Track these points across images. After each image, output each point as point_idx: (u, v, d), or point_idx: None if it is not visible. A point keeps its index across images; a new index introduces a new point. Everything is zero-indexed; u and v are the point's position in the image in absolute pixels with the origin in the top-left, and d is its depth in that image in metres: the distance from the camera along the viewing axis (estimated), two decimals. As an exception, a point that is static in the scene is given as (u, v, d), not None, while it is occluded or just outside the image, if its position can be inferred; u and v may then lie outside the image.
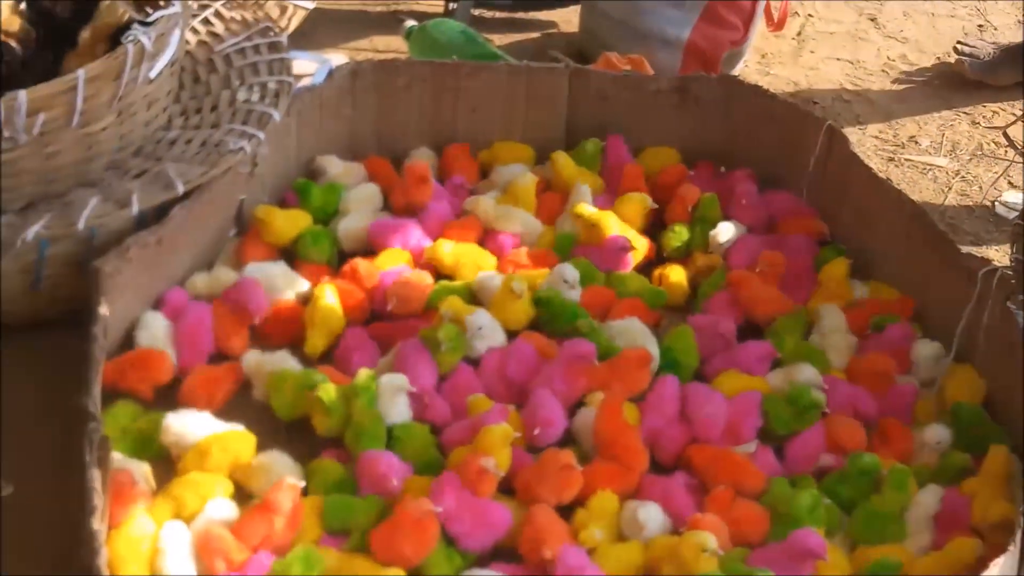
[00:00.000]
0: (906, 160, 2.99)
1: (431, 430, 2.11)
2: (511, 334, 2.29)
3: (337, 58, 2.91)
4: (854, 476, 2.05)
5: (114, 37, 2.27)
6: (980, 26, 3.54)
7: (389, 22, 3.31)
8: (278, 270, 2.35)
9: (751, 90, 2.69)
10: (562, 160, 2.61)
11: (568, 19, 3.35)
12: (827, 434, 2.13)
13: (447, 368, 2.20)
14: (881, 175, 2.52)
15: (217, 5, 2.61)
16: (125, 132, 2.27)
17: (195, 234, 2.32)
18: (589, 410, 2.13)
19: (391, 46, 3.22)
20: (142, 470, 1.97)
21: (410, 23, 3.03)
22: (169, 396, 2.15)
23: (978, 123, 3.13)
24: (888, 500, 2.01)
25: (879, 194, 2.45)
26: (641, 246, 2.50)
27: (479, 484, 1.95)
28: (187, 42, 2.48)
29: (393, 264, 2.39)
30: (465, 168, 2.66)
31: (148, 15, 2.23)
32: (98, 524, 1.73)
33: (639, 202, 2.54)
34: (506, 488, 2.03)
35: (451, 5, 3.30)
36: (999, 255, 2.63)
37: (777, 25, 3.23)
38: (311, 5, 2.95)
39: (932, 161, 3.00)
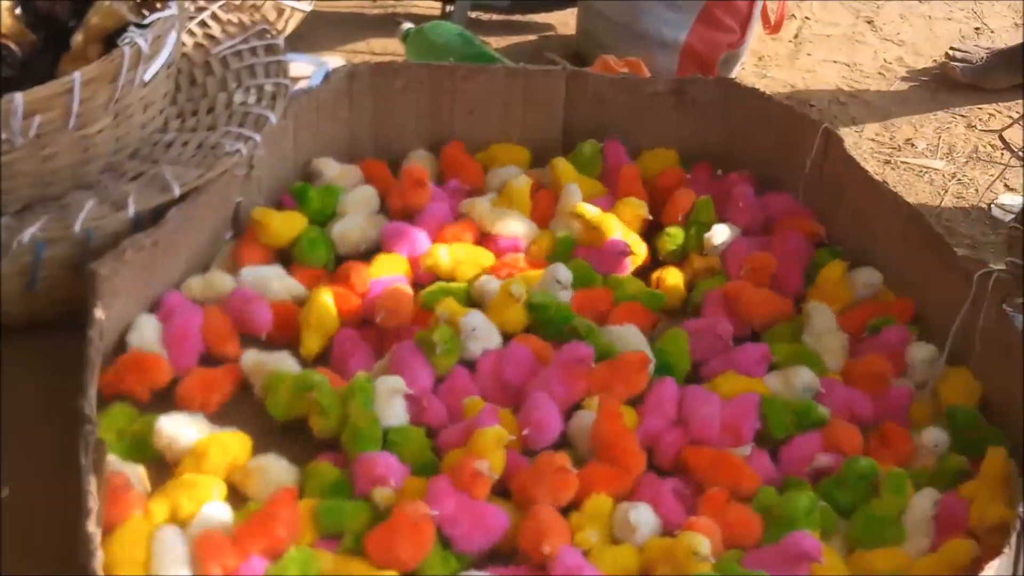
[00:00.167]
0: (902, 163, 3.00)
1: (427, 433, 2.11)
2: (507, 337, 2.29)
3: (334, 60, 2.92)
4: (851, 480, 2.05)
5: (110, 39, 2.27)
6: (977, 29, 3.55)
7: (386, 24, 3.31)
8: (273, 273, 2.36)
9: (748, 92, 2.69)
10: (561, 166, 2.61)
11: (565, 21, 3.35)
12: (824, 438, 2.13)
13: (443, 370, 2.20)
14: (877, 177, 2.52)
15: (214, 7, 2.61)
16: (121, 134, 2.27)
17: (191, 236, 2.32)
18: (585, 413, 2.13)
19: (388, 48, 3.22)
20: (137, 472, 1.98)
21: (407, 25, 3.03)
22: (167, 399, 2.14)
23: (974, 126, 3.13)
24: (886, 504, 2.01)
25: (875, 196, 2.45)
26: (640, 251, 2.50)
27: (473, 487, 1.95)
28: (183, 44, 2.48)
29: (388, 269, 2.39)
30: (466, 169, 2.65)
31: (144, 17, 2.23)
32: (93, 527, 1.73)
33: (636, 208, 2.54)
34: (503, 491, 2.03)
35: (448, 7, 3.31)
36: (995, 258, 2.62)
37: (774, 28, 3.24)
38: (308, 7, 2.95)
39: (928, 164, 3.00)
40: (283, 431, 2.13)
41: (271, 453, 2.05)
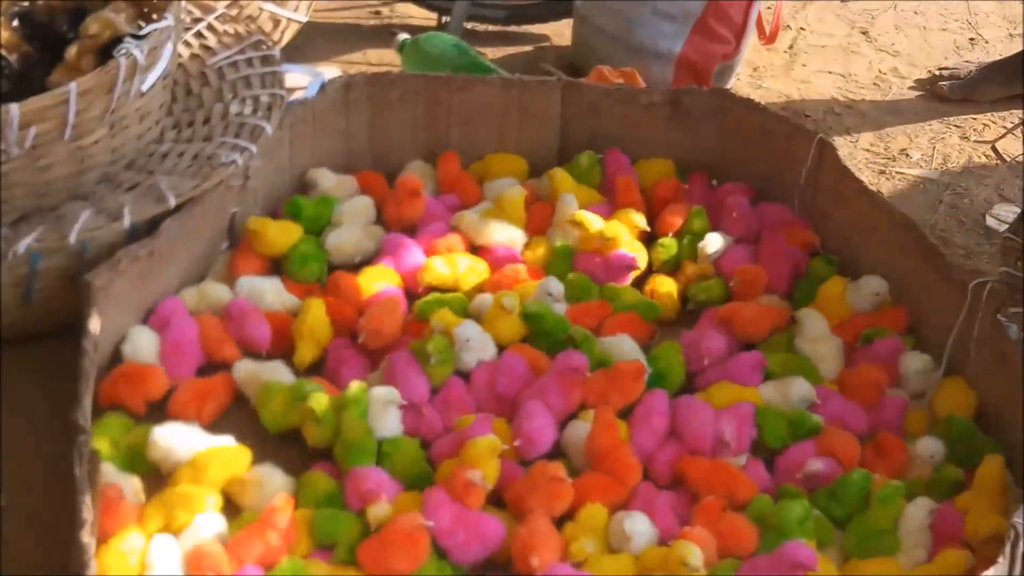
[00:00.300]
0: (897, 173, 3.00)
1: (421, 444, 2.11)
2: (503, 349, 2.29)
3: (330, 71, 2.91)
4: (845, 493, 2.05)
5: (105, 51, 2.27)
6: (971, 39, 3.55)
7: (382, 35, 3.32)
8: (268, 285, 2.36)
9: (743, 103, 2.70)
10: (559, 176, 2.61)
11: (561, 32, 3.36)
12: (820, 447, 2.14)
13: (438, 381, 2.20)
14: (872, 188, 2.53)
15: (210, 18, 2.62)
16: (117, 145, 2.27)
17: (187, 247, 2.32)
18: (579, 424, 2.13)
19: (384, 59, 3.23)
20: (131, 483, 1.98)
21: (403, 36, 3.04)
22: (162, 409, 2.14)
23: (968, 136, 3.13)
24: (878, 515, 2.01)
25: (870, 207, 2.46)
26: (642, 263, 2.51)
27: (466, 497, 1.95)
28: (180, 55, 2.49)
29: (377, 280, 2.39)
30: (463, 184, 2.66)
31: (140, 28, 2.23)
32: (87, 537, 1.73)
33: (634, 220, 2.55)
34: (500, 501, 2.03)
35: (444, 19, 3.31)
36: (990, 267, 2.63)
37: (769, 39, 3.25)
38: (304, 18, 2.96)
39: (923, 174, 3.00)
40: (278, 440, 2.13)
41: (266, 463, 2.05)
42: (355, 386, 2.11)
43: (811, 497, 2.05)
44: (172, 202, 2.21)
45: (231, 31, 2.61)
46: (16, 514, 2.01)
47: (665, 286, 2.47)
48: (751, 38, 3.18)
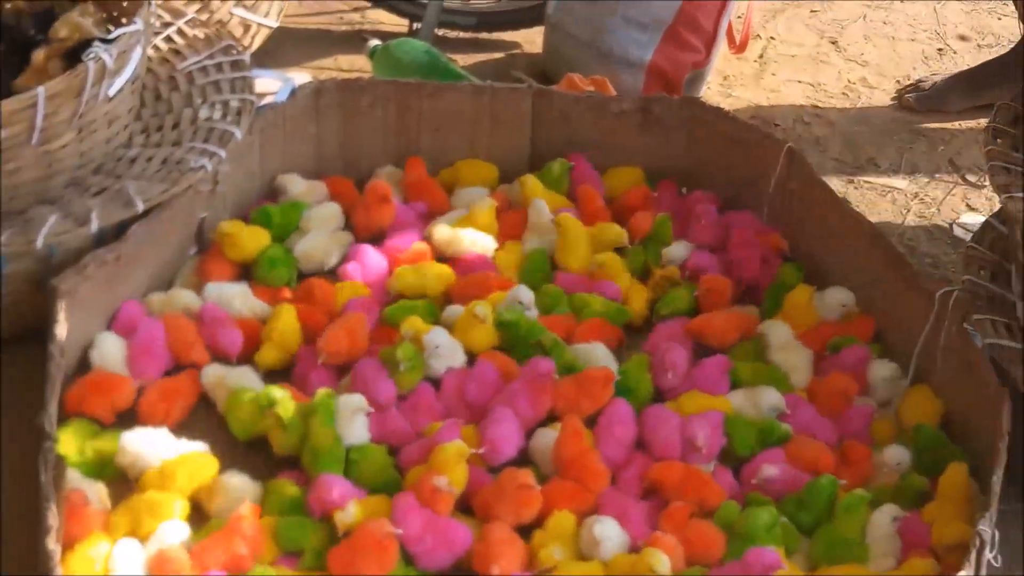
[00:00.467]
0: (865, 182, 3.02)
1: (389, 451, 2.11)
2: (474, 357, 2.29)
3: (301, 77, 2.91)
4: (813, 499, 2.05)
5: (73, 54, 2.26)
6: (940, 50, 3.58)
7: (353, 41, 3.31)
8: (236, 291, 2.35)
9: (713, 112, 2.71)
10: (531, 183, 2.61)
11: (532, 40, 3.36)
12: (789, 456, 2.14)
13: (407, 388, 2.20)
14: (841, 196, 2.54)
15: (180, 23, 2.61)
16: (85, 150, 2.26)
17: (155, 252, 2.32)
18: (547, 431, 2.13)
19: (355, 65, 3.22)
20: (96, 490, 1.97)
21: (374, 42, 3.04)
22: (129, 414, 2.13)
23: (937, 146, 3.15)
24: (842, 524, 2.02)
25: (839, 215, 2.47)
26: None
27: (434, 503, 1.95)
28: (149, 59, 2.48)
29: (350, 293, 2.38)
30: (430, 192, 2.65)
31: (109, 32, 2.22)
32: (53, 544, 1.72)
33: (616, 234, 2.55)
34: (468, 507, 2.03)
35: (415, 25, 3.31)
36: (956, 276, 2.65)
37: (739, 48, 3.26)
38: (275, 23, 2.95)
39: (891, 183, 3.02)
40: (247, 445, 2.13)
41: (234, 470, 2.04)
42: (323, 393, 2.10)
43: (779, 505, 2.06)
44: (140, 207, 2.20)
45: (201, 35, 2.60)
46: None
47: (635, 294, 2.47)
48: (721, 47, 3.19)
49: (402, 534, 1.91)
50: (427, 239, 2.53)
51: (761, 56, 3.48)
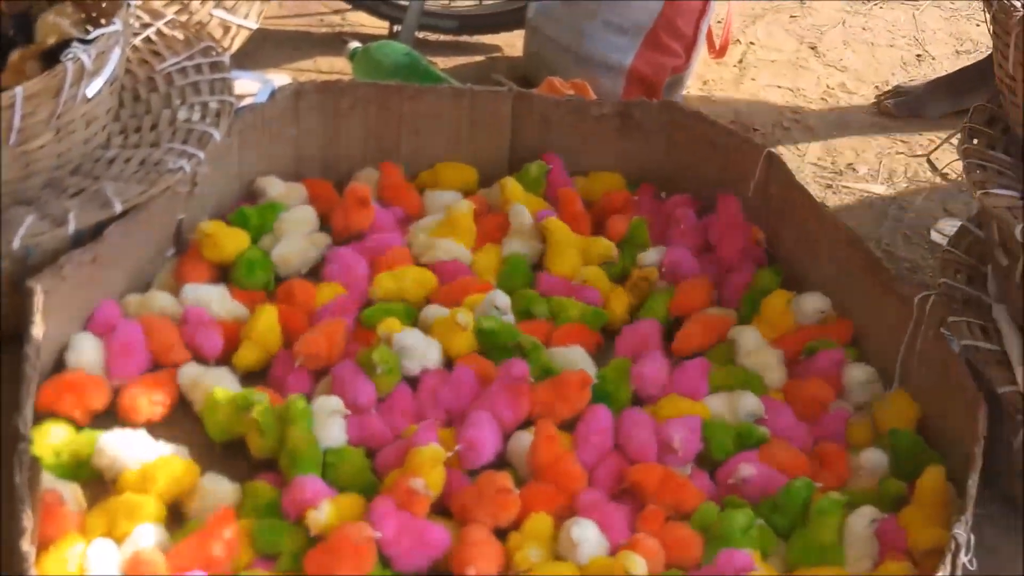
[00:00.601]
0: (844, 187, 3.03)
1: (367, 453, 2.11)
2: (453, 360, 2.29)
3: (280, 79, 2.91)
4: (788, 501, 2.06)
5: (52, 55, 2.25)
6: (918, 56, 3.60)
7: (333, 43, 3.31)
8: (214, 293, 2.34)
9: (692, 116, 2.71)
10: (511, 186, 2.62)
11: (512, 43, 3.37)
12: (763, 458, 2.14)
13: (385, 390, 2.19)
14: (819, 201, 2.55)
15: (159, 24, 2.60)
16: (63, 150, 2.25)
17: (132, 253, 2.31)
18: (524, 434, 2.13)
19: (335, 67, 3.22)
20: (72, 491, 1.96)
21: (354, 44, 3.03)
22: (102, 416, 2.13)
23: (914, 151, 3.17)
24: (817, 528, 2.01)
25: (817, 220, 2.48)
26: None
27: (410, 505, 1.95)
28: (128, 60, 2.47)
29: (330, 295, 2.38)
30: (404, 196, 2.65)
31: (88, 33, 2.21)
32: (28, 545, 1.71)
33: (604, 248, 2.55)
34: (446, 510, 2.03)
35: (395, 27, 3.31)
36: (934, 281, 2.65)
37: (719, 52, 3.27)
38: (254, 25, 2.94)
39: (869, 188, 3.03)
40: (224, 447, 2.12)
41: (212, 472, 2.04)
42: (299, 398, 2.10)
43: (755, 508, 2.06)
44: (118, 208, 2.20)
45: (180, 37, 2.59)
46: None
47: (614, 298, 2.47)
48: (701, 52, 3.20)
49: (380, 537, 1.90)
50: (408, 246, 2.52)
51: (741, 61, 3.49)
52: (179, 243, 2.44)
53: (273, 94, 2.61)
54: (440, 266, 2.48)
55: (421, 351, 2.25)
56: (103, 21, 2.33)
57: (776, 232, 2.58)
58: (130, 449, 2.02)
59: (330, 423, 2.09)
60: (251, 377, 2.24)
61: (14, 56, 2.30)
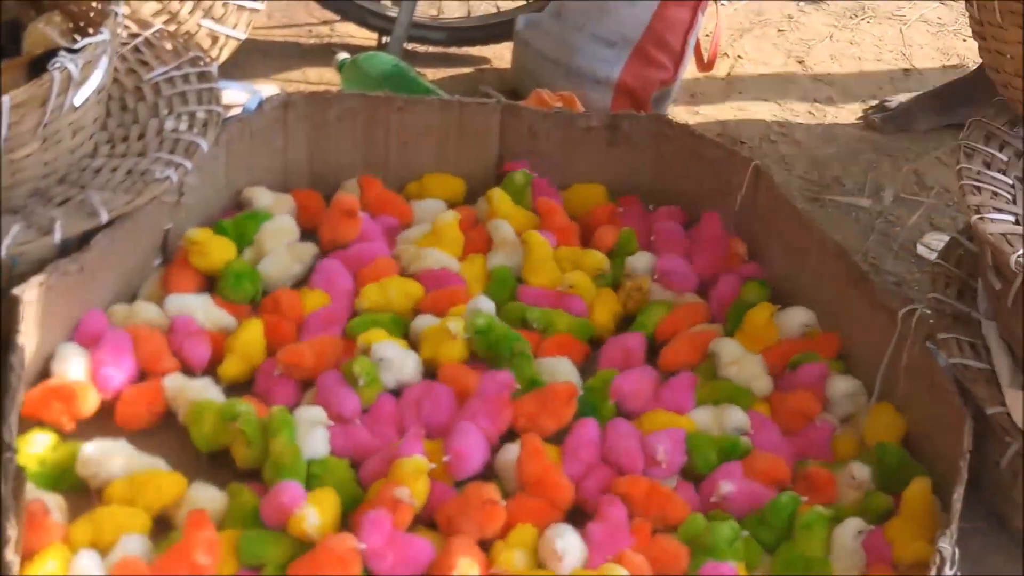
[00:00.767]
0: (830, 201, 3.03)
1: (352, 465, 2.10)
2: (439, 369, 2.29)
3: (268, 89, 2.90)
4: (774, 516, 2.05)
5: (38, 64, 2.25)
6: (906, 70, 3.61)
7: (322, 54, 3.31)
8: (199, 303, 2.34)
9: (680, 129, 2.72)
10: (497, 198, 2.61)
11: (501, 55, 3.37)
12: (746, 470, 2.14)
13: (368, 401, 2.19)
14: (806, 215, 2.55)
15: (147, 33, 2.60)
16: (50, 159, 2.25)
17: (119, 263, 2.30)
18: (511, 447, 2.12)
19: (323, 78, 3.22)
20: (56, 501, 1.95)
21: (342, 56, 3.03)
22: (87, 425, 2.12)
23: (901, 166, 3.18)
24: (802, 542, 2.02)
25: (804, 233, 2.48)
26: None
27: (395, 515, 1.94)
28: (115, 70, 2.47)
29: (316, 304, 2.38)
30: (391, 206, 2.65)
31: (76, 42, 2.21)
32: (12, 555, 1.71)
33: (597, 261, 2.56)
34: (432, 522, 2.03)
35: (384, 39, 3.31)
36: (920, 295, 2.66)
37: (707, 66, 3.27)
38: (243, 35, 2.94)
39: (856, 202, 3.04)
40: (209, 456, 2.11)
41: (198, 482, 2.03)
42: (282, 409, 2.09)
43: (740, 522, 2.06)
44: (104, 217, 2.19)
45: (168, 47, 2.59)
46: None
47: (601, 307, 2.48)
48: (689, 65, 3.21)
49: (364, 549, 1.90)
50: (397, 257, 2.52)
51: (728, 74, 3.49)
52: (166, 253, 2.44)
53: (261, 104, 2.61)
54: (429, 275, 2.47)
55: (398, 363, 2.24)
56: (91, 31, 2.33)
57: (762, 245, 2.58)
58: (113, 459, 2.02)
59: (312, 433, 2.09)
60: (237, 388, 2.23)
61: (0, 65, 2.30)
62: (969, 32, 3.12)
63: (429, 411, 2.19)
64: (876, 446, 2.19)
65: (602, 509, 2.03)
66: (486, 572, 1.93)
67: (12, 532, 1.72)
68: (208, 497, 2.00)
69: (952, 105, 3.24)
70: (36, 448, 2.03)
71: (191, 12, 2.83)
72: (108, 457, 2.02)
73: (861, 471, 2.14)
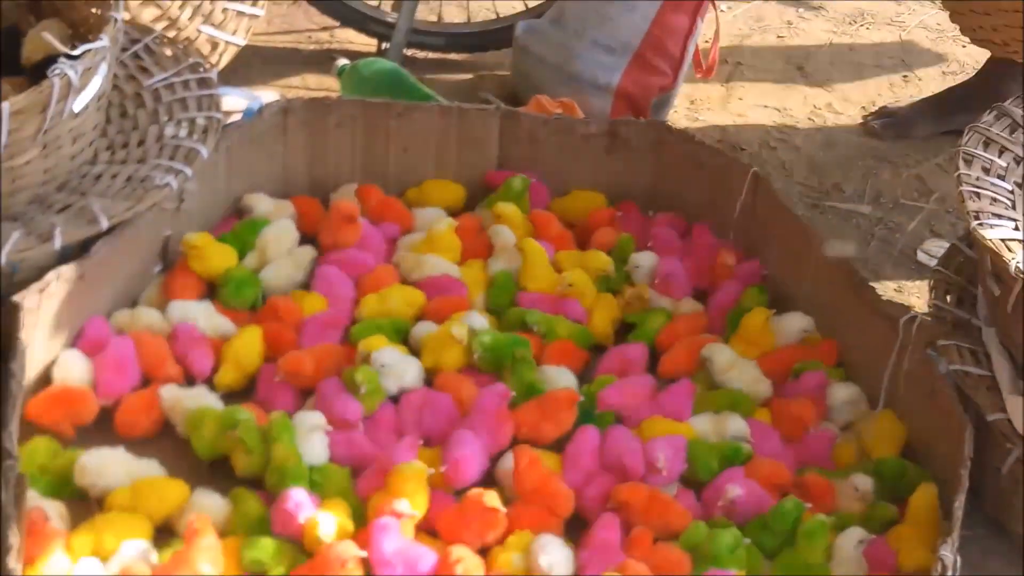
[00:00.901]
0: (830, 207, 3.03)
1: (354, 472, 2.09)
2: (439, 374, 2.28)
3: (268, 95, 2.91)
4: (777, 522, 2.05)
5: (39, 70, 2.24)
6: (905, 77, 3.61)
7: (321, 60, 3.31)
8: (201, 310, 2.34)
9: (679, 135, 2.72)
10: (504, 211, 2.60)
11: (500, 61, 3.37)
12: (748, 475, 2.14)
13: (371, 409, 2.19)
14: (805, 221, 2.55)
15: (147, 40, 2.60)
16: (50, 166, 2.25)
17: (119, 269, 2.30)
18: (511, 454, 2.12)
19: (323, 84, 3.22)
20: (56, 509, 1.95)
21: (342, 62, 3.03)
22: (91, 432, 2.12)
23: (900, 172, 3.18)
24: (803, 549, 2.01)
25: (803, 240, 2.48)
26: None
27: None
28: (115, 76, 2.46)
29: (315, 308, 2.38)
30: (392, 211, 2.65)
31: (75, 48, 2.21)
32: (14, 562, 1.70)
33: (602, 263, 2.56)
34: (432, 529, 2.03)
35: (383, 45, 3.31)
36: (921, 302, 2.66)
37: (706, 72, 3.28)
38: (243, 42, 2.94)
39: (856, 208, 3.04)
40: (209, 464, 2.11)
41: (200, 489, 2.03)
42: (282, 414, 2.09)
43: (743, 528, 2.05)
44: (104, 224, 2.19)
45: (168, 53, 2.59)
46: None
47: (599, 312, 2.47)
48: (688, 71, 3.21)
49: (369, 557, 1.90)
50: (396, 264, 2.52)
51: (728, 80, 3.50)
52: (166, 259, 2.43)
53: (261, 111, 2.61)
54: (430, 282, 2.47)
55: (399, 369, 2.24)
56: (91, 37, 2.33)
57: (762, 252, 2.58)
58: (111, 468, 2.01)
59: (312, 439, 2.08)
60: (236, 395, 2.23)
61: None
62: (968, 39, 3.12)
63: (428, 419, 2.18)
64: (876, 461, 2.18)
65: (594, 530, 2.02)
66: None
67: (14, 540, 1.72)
68: (210, 504, 2.00)
69: (951, 111, 3.25)
70: (37, 456, 2.02)
71: (191, 18, 2.83)
72: (106, 466, 2.01)
73: (864, 483, 2.12)
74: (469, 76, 3.36)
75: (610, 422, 2.22)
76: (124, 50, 2.55)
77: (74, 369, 2.17)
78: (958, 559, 1.89)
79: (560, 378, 2.28)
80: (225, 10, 2.87)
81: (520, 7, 3.45)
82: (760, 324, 2.42)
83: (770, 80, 3.53)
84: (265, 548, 1.93)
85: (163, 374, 2.22)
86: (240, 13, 2.89)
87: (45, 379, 2.16)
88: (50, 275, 2.12)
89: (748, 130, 3.29)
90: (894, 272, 2.83)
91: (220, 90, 2.53)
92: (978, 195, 2.20)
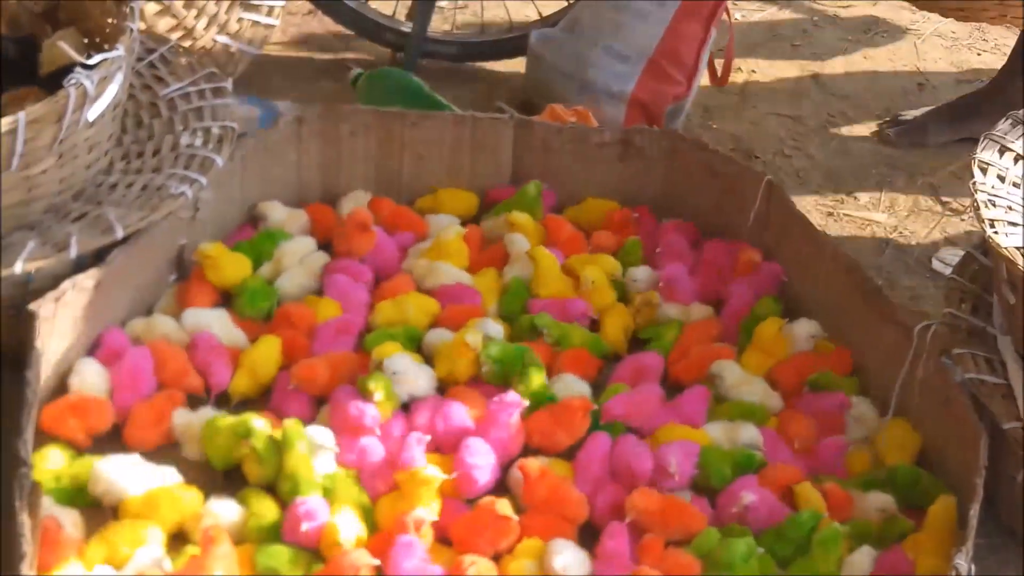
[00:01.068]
0: (845, 215, 3.03)
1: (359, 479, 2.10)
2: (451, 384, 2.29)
3: (283, 104, 2.92)
4: (793, 532, 2.04)
5: (55, 79, 2.26)
6: (920, 84, 3.61)
7: (336, 70, 3.32)
8: (215, 319, 2.34)
9: (693, 144, 2.72)
10: (519, 221, 2.60)
11: (514, 70, 3.38)
12: (762, 480, 2.13)
13: (385, 417, 2.18)
14: (820, 229, 2.55)
15: (162, 49, 2.61)
16: (65, 175, 2.26)
17: (134, 278, 2.31)
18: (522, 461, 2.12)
19: (338, 94, 3.22)
20: (70, 517, 1.95)
21: (357, 71, 3.04)
22: (106, 440, 2.12)
23: (916, 179, 3.17)
24: (817, 559, 2.00)
25: (817, 248, 2.48)
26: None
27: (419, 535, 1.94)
28: (131, 86, 2.48)
29: (328, 314, 2.38)
30: (406, 220, 2.66)
31: (91, 57, 2.22)
32: (27, 571, 1.71)
33: (611, 267, 2.56)
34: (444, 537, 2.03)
35: (398, 54, 3.32)
36: (935, 310, 2.65)
37: (720, 80, 3.28)
38: (257, 51, 2.96)
39: (870, 216, 3.04)
40: (223, 472, 2.12)
41: (214, 496, 2.03)
42: (295, 421, 2.09)
43: (758, 537, 2.05)
44: (120, 233, 2.20)
45: (183, 62, 2.60)
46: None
47: (610, 322, 2.47)
48: (702, 79, 3.21)
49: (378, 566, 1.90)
50: (408, 271, 2.52)
51: (742, 88, 3.50)
52: (181, 268, 2.44)
53: (276, 120, 2.62)
54: (444, 291, 2.48)
55: (411, 377, 2.24)
56: (106, 47, 2.34)
57: (776, 260, 2.57)
58: (126, 476, 2.02)
59: (319, 457, 2.08)
60: (248, 404, 2.23)
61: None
62: (983, 47, 3.12)
63: (440, 427, 2.18)
64: (889, 470, 2.17)
65: (602, 539, 2.02)
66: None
67: (28, 548, 1.72)
68: (229, 512, 2.00)
69: (966, 119, 3.24)
70: (52, 464, 2.03)
71: (206, 28, 2.85)
72: (120, 474, 2.02)
73: (887, 503, 2.10)
74: (483, 85, 3.37)
75: (621, 431, 2.22)
76: (140, 60, 2.57)
77: (90, 378, 2.17)
78: (973, 567, 1.88)
79: (573, 386, 2.28)
80: (240, 20, 2.89)
81: (534, 16, 3.46)
82: (774, 334, 2.42)
83: (784, 88, 3.53)
84: (279, 555, 1.93)
85: (183, 385, 2.22)
86: (255, 23, 2.91)
87: (61, 388, 2.17)
88: (66, 284, 2.13)
89: (762, 138, 3.28)
90: (909, 280, 2.82)
91: (235, 99, 2.54)
92: (993, 203, 2.19)
